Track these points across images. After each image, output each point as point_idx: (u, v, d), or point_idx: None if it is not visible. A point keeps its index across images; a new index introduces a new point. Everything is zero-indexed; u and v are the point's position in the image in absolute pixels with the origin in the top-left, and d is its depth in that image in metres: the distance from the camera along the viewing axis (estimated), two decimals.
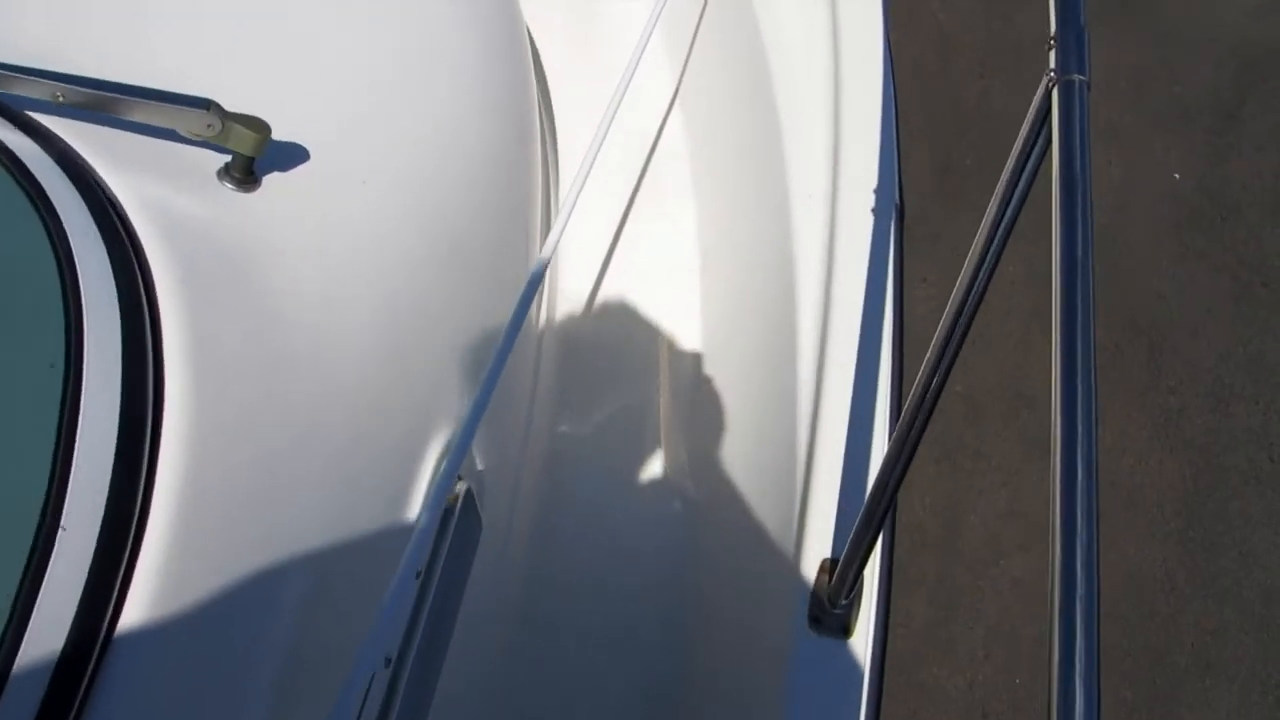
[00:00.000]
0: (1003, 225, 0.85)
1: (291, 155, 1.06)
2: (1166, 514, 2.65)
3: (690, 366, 1.52)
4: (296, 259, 1.00)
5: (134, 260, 0.86)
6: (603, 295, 1.63)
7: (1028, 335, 2.86)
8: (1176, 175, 3.16)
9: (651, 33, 1.31)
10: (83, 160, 0.93)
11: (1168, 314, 2.95)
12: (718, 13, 1.71)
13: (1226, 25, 3.55)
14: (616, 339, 1.60)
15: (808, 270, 1.29)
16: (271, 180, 1.03)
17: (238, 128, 0.96)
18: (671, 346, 1.56)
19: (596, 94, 1.41)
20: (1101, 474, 2.62)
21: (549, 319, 1.61)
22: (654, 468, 1.46)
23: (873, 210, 1.37)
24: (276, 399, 0.90)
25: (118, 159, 0.96)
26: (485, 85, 1.30)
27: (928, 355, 0.92)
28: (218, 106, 0.96)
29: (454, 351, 1.13)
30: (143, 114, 0.95)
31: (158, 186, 0.95)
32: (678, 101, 1.76)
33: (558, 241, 1.16)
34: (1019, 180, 0.84)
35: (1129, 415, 2.77)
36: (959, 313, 0.90)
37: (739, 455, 1.33)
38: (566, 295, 1.62)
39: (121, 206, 0.90)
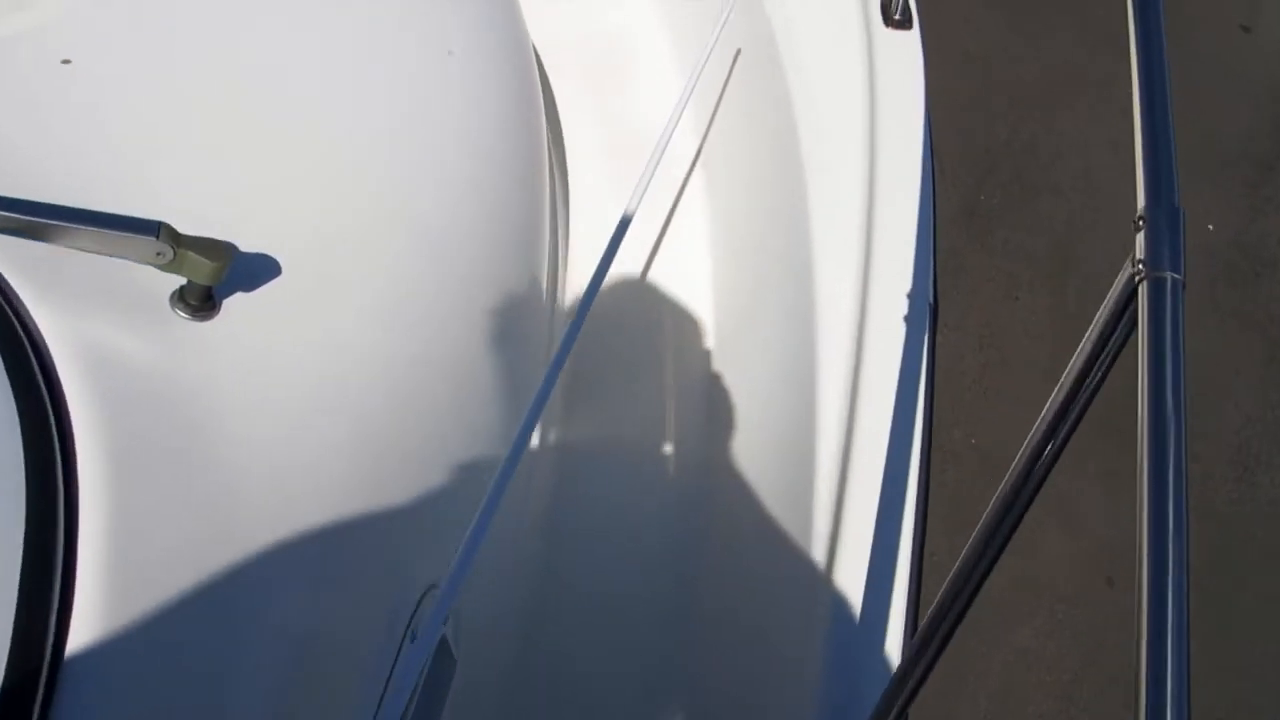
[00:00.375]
0: (1059, 434, 0.73)
1: (259, 270, 0.93)
2: None
3: (700, 491, 1.41)
4: (260, 396, 0.88)
5: (51, 418, 0.74)
6: (611, 416, 1.52)
7: (1046, 389, 2.74)
8: (1210, 226, 3.03)
9: (673, 130, 1.19)
10: (4, 286, 0.80)
11: (1194, 373, 2.82)
12: (745, 86, 1.58)
13: (1264, 70, 3.41)
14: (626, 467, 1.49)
15: (830, 392, 1.18)
16: (234, 304, 0.90)
17: (192, 255, 0.83)
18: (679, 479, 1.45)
19: (617, 179, 1.30)
20: (1120, 540, 2.51)
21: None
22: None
23: (905, 318, 1.25)
24: (222, 580, 0.79)
25: (50, 283, 0.83)
26: (491, 186, 1.16)
27: (960, 559, 0.81)
28: (169, 230, 0.83)
29: (440, 496, 1.01)
30: (79, 241, 0.83)
31: (95, 320, 0.82)
32: (699, 168, 1.64)
33: (562, 364, 1.04)
34: (1085, 381, 0.72)
35: None
36: (1003, 514, 0.79)
37: (747, 604, 1.23)
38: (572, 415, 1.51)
39: (46, 346, 0.78)
